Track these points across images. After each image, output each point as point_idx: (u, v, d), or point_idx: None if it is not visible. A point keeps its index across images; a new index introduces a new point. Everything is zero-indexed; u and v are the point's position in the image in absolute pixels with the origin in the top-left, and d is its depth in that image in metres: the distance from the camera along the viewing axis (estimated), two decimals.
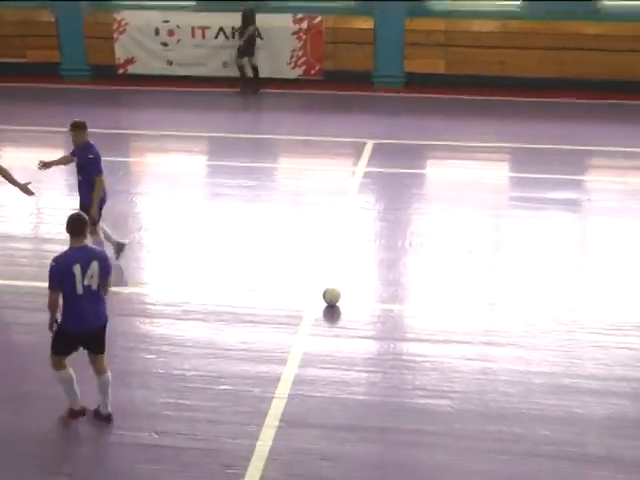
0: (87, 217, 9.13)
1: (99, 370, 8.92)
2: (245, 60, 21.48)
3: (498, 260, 12.66)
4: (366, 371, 9.90)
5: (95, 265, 8.60)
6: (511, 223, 13.99)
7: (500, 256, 12.78)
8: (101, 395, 8.97)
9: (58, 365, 8.85)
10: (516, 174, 16.39)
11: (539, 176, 15.77)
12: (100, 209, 12.03)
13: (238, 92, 21.47)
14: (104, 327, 8.88)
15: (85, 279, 8.56)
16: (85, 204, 11.77)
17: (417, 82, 21.42)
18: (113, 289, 11.62)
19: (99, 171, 11.80)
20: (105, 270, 8.73)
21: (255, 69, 21.55)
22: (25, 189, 11.99)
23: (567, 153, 17.09)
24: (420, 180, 16.27)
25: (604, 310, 11.11)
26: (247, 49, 21.33)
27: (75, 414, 9.02)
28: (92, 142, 11.94)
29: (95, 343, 8.86)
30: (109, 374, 8.95)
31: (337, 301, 11.21)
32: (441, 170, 16.88)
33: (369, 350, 10.36)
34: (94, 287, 8.65)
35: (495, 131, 18.44)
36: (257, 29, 21.43)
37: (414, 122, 19.33)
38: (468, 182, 15.55)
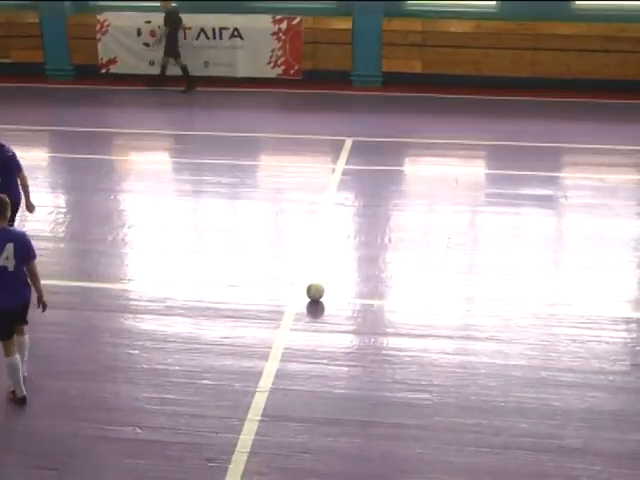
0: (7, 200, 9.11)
1: (18, 333, 9.26)
2: (170, 60, 21.76)
3: (476, 256, 12.79)
4: (347, 365, 9.99)
5: (10, 247, 8.77)
6: (488, 219, 14.13)
7: (478, 252, 12.91)
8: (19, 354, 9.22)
9: (7, 351, 9.09)
10: (493, 171, 16.54)
11: (515, 173, 15.92)
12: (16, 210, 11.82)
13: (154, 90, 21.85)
14: (27, 305, 9.20)
15: (0, 260, 8.78)
16: (16, 201, 11.52)
17: (394, 81, 21.56)
18: (96, 285, 11.88)
19: (21, 168, 11.68)
20: (22, 251, 8.90)
21: (184, 69, 21.79)
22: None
23: (542, 150, 17.26)
24: (398, 177, 16.38)
25: (581, 305, 11.25)
26: (172, 49, 21.58)
27: (17, 400, 9.23)
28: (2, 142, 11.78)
29: (20, 319, 9.24)
30: (27, 337, 9.37)
31: (321, 296, 11.34)
32: (419, 167, 17.01)
33: (350, 344, 10.45)
34: (10, 268, 8.83)
35: (471, 129, 18.58)
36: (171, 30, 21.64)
37: (392, 120, 19.44)
38: (446, 179, 15.66)
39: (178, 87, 21.72)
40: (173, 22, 21.49)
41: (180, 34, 21.79)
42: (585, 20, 20.97)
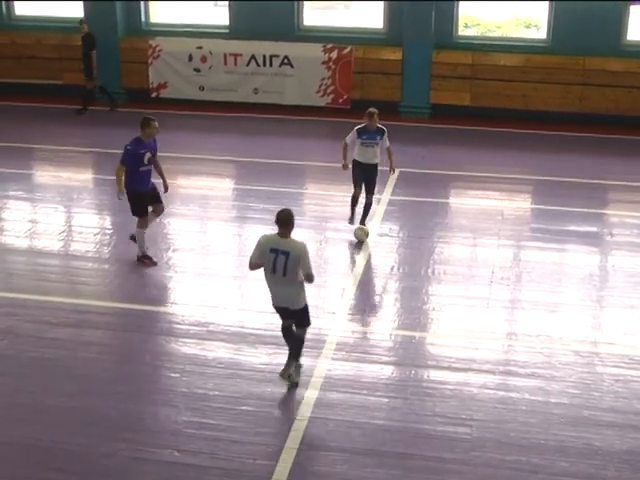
0: None
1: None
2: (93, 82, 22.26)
3: (519, 291, 12.72)
4: (387, 396, 9.98)
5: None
6: (533, 254, 14.04)
7: (521, 287, 12.84)
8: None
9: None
10: (538, 206, 16.45)
11: (561, 209, 15.85)
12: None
13: (110, 110, 22.40)
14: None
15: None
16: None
17: (443, 113, 21.58)
18: (139, 307, 11.97)
19: (121, 159, 13.04)
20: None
21: (89, 92, 22.32)
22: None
23: (589, 187, 17.16)
24: (444, 209, 16.35)
25: (624, 344, 11.15)
26: (92, 71, 22.03)
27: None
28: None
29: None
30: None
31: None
32: (465, 200, 16.96)
33: (390, 375, 10.45)
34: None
35: (518, 163, 18.53)
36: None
37: (439, 152, 19.44)
38: (491, 212, 15.64)
39: (221, 113, 21.90)
40: (93, 44, 21.95)
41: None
42: (635, 56, 20.89)
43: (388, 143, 14.36)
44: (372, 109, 14.25)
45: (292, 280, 9.64)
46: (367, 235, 14.27)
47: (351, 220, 14.50)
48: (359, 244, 14.14)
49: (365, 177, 14.31)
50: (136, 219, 13.26)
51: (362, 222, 14.39)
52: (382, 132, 14.28)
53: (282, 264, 9.52)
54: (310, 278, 9.65)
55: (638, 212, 15.90)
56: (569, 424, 9.43)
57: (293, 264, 9.51)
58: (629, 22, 21.18)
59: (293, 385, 9.99)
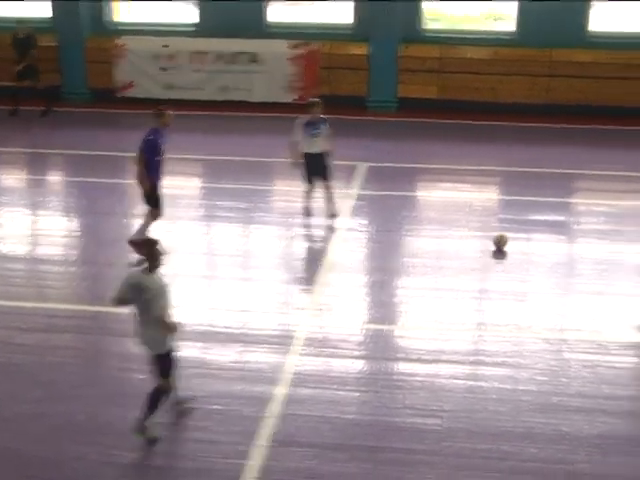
0: None
1: None
2: (26, 82, 21.65)
3: (487, 281, 12.76)
4: (357, 390, 9.99)
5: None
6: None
7: (489, 277, 12.88)
8: None
9: None
10: (506, 197, 16.53)
11: (529, 199, 15.90)
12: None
13: (11, 112, 21.80)
14: None
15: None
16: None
17: (410, 107, 21.57)
18: (107, 309, 11.89)
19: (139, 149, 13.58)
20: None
21: (45, 91, 21.85)
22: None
23: (556, 176, 17.23)
24: (412, 202, 16.39)
25: (591, 330, 11.22)
26: (30, 73, 21.58)
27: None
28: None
29: None
30: None
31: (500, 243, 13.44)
32: (433, 193, 17.00)
33: (360, 369, 10.44)
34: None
35: (486, 155, 18.58)
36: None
37: (407, 146, 19.45)
38: (459, 204, 15.67)
39: (188, 112, 21.84)
40: (34, 44, 21.66)
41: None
42: (601, 47, 20.98)
43: (329, 132, 14.69)
44: (315, 99, 14.74)
45: (148, 320, 8.86)
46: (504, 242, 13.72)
47: (306, 210, 14.70)
48: (327, 238, 14.18)
49: (319, 166, 14.57)
50: (146, 210, 13.56)
51: (331, 211, 14.46)
52: (325, 121, 14.58)
53: (141, 301, 8.81)
54: (160, 323, 8.85)
55: (604, 200, 16.01)
56: (537, 411, 9.48)
57: (149, 302, 8.78)
58: (594, 13, 21.27)
59: (152, 440, 9.00)
